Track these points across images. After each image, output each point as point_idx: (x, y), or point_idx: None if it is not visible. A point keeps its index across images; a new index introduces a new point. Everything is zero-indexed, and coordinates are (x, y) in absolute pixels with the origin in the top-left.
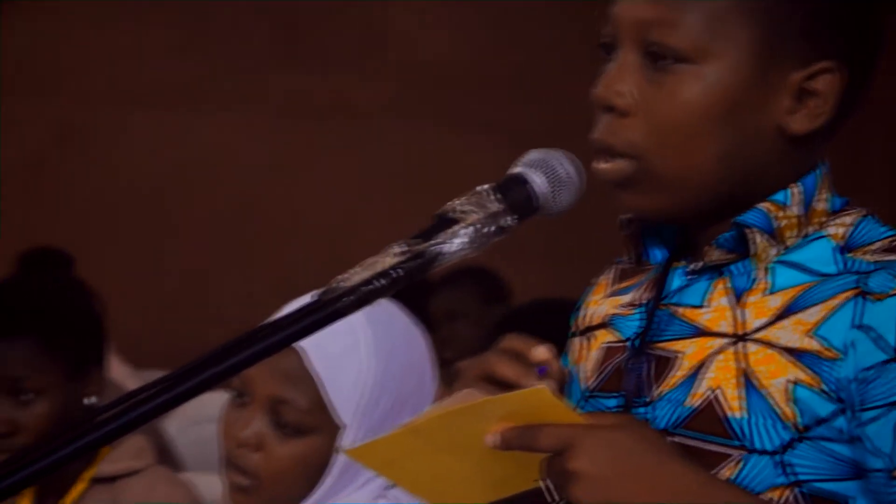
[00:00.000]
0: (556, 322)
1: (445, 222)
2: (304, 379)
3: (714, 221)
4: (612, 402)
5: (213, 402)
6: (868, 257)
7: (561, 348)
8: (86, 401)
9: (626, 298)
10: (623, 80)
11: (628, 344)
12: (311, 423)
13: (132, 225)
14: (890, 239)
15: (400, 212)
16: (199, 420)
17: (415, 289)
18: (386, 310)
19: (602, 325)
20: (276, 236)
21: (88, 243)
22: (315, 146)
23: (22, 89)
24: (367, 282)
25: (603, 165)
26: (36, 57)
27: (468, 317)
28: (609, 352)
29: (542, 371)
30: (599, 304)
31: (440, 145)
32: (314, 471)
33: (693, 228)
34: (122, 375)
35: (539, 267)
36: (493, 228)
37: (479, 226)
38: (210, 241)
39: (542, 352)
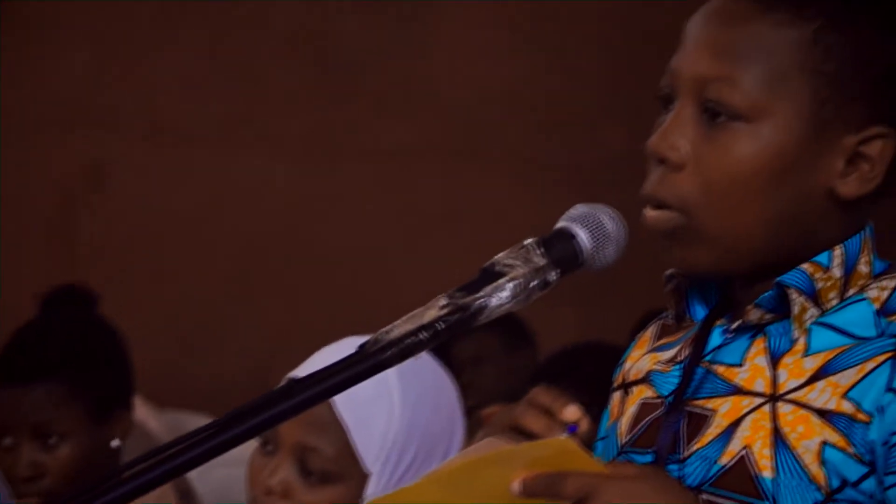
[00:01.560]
0: (596, 367)
1: (490, 276)
2: (332, 427)
3: (758, 280)
4: (645, 458)
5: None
6: None
7: (599, 393)
8: (112, 443)
9: (667, 355)
10: (678, 134)
11: (665, 401)
12: (338, 471)
13: (156, 262)
14: None
15: (426, 253)
16: (220, 464)
17: None
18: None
19: (641, 381)
20: (303, 276)
21: (112, 281)
22: (341, 185)
23: (51, 125)
24: (411, 334)
25: (652, 213)
26: (66, 93)
27: (492, 363)
28: (645, 408)
29: (572, 430)
30: (640, 359)
31: (466, 185)
32: None
33: (735, 286)
34: (145, 416)
35: (563, 312)
36: (538, 283)
37: (524, 280)
38: (233, 280)
39: (572, 411)
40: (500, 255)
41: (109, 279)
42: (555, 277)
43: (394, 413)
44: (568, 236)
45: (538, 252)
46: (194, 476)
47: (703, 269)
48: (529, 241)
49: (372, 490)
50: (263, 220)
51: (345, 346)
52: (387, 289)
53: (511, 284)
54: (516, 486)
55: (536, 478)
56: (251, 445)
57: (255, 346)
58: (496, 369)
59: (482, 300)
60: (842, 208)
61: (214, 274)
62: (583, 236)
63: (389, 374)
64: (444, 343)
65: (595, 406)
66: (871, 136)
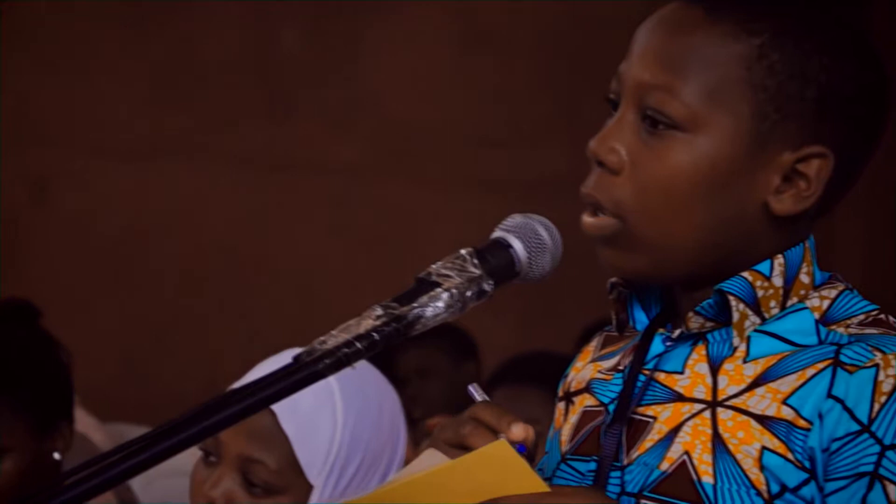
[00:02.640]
0: (553, 370)
1: (425, 285)
2: (275, 439)
3: (698, 287)
4: (587, 466)
5: (181, 456)
6: (847, 330)
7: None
8: (55, 456)
9: (608, 364)
10: (617, 139)
11: (607, 408)
12: (281, 483)
13: (101, 278)
14: (869, 314)
15: (374, 267)
16: (163, 474)
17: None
18: (357, 369)
19: (583, 390)
20: (246, 291)
21: (57, 296)
22: (290, 201)
23: None
24: (346, 344)
25: (589, 220)
26: (8, 109)
27: (438, 375)
28: (586, 416)
29: (521, 450)
30: (582, 370)
31: (407, 201)
32: None
33: (677, 293)
34: (88, 427)
35: (504, 324)
36: (473, 293)
37: (459, 290)
38: (177, 295)
39: (520, 430)
40: (436, 264)
41: (54, 295)
42: (490, 287)
43: (337, 425)
44: (503, 246)
45: (473, 262)
46: (138, 487)
47: (642, 275)
48: (465, 250)
49: (315, 501)
50: (207, 236)
51: (283, 358)
52: (331, 303)
53: (446, 294)
54: None
55: None
56: (194, 456)
57: (199, 360)
58: (442, 381)
59: (417, 310)
60: (777, 224)
61: (158, 289)
62: (518, 246)
63: (332, 386)
64: (390, 355)
65: (547, 419)
66: (809, 155)
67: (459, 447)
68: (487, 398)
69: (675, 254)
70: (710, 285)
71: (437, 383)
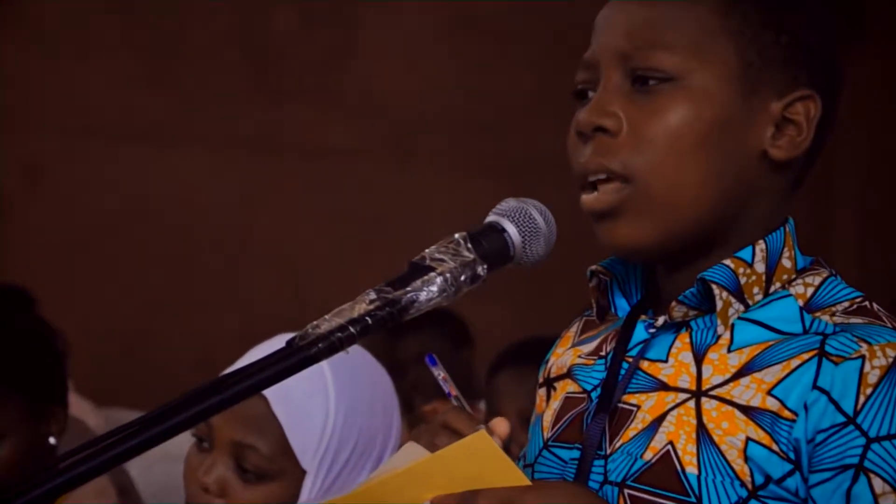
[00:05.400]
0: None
1: (419, 270)
2: (268, 425)
3: (682, 269)
4: (570, 454)
5: (178, 442)
6: (832, 318)
7: None
8: (50, 440)
9: (588, 348)
10: (610, 103)
11: (590, 395)
12: (274, 469)
13: (93, 261)
14: (854, 301)
15: (366, 250)
16: (161, 459)
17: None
18: (350, 354)
19: (564, 376)
20: (239, 274)
21: (49, 280)
22: (282, 183)
23: None
24: (340, 329)
25: (590, 196)
26: (3, 94)
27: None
28: (569, 402)
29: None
30: (563, 355)
31: (400, 184)
32: None
33: (660, 278)
34: (83, 412)
35: (498, 311)
36: (467, 277)
37: (453, 274)
38: (171, 278)
39: (502, 426)
40: (430, 249)
41: (46, 278)
42: (484, 271)
43: (329, 411)
44: (497, 230)
45: (467, 246)
46: (137, 472)
47: (645, 247)
48: (459, 235)
49: (308, 487)
50: (199, 219)
51: (277, 343)
52: (324, 287)
53: (440, 279)
54: None
55: (447, 498)
56: (192, 441)
57: (192, 344)
58: (443, 367)
59: (411, 294)
60: (777, 174)
61: (152, 272)
62: (512, 230)
63: (325, 372)
64: (390, 342)
65: None
66: (795, 99)
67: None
68: (444, 372)
69: (684, 212)
70: (694, 268)
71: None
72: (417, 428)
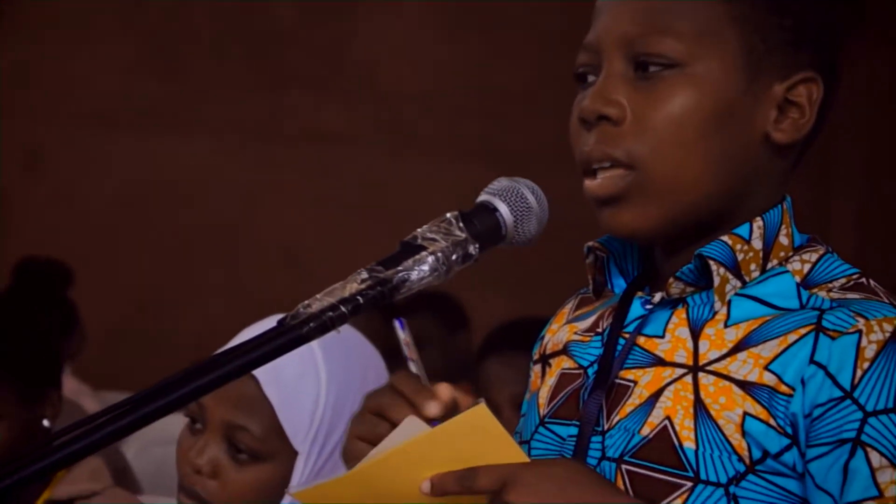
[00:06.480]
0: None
1: (411, 249)
2: (260, 406)
3: (680, 250)
4: (567, 430)
5: (172, 424)
6: (829, 294)
7: None
8: (45, 423)
9: (584, 325)
10: (611, 91)
11: (586, 371)
12: (267, 449)
13: (93, 246)
14: (850, 277)
15: (365, 236)
16: (157, 442)
17: (378, 315)
18: (342, 334)
19: (560, 352)
20: (236, 259)
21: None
22: (282, 169)
23: None
24: (331, 308)
25: (593, 182)
26: (4, 80)
27: (434, 344)
28: (565, 378)
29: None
30: (558, 332)
31: (398, 169)
32: (270, 497)
33: (658, 257)
34: (79, 394)
35: (494, 293)
36: (458, 256)
37: (444, 253)
38: (170, 262)
39: (432, 408)
40: (421, 228)
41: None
42: (476, 251)
43: (321, 391)
44: (489, 209)
45: (459, 225)
46: (133, 454)
47: (650, 232)
48: (450, 214)
49: (300, 468)
50: (197, 205)
51: (269, 324)
52: (320, 271)
53: (431, 258)
54: (426, 486)
55: (446, 476)
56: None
57: (189, 328)
58: (438, 350)
59: (402, 273)
60: (779, 157)
61: (149, 257)
62: (504, 209)
63: (316, 352)
64: (385, 325)
65: None
66: (798, 82)
67: (380, 417)
68: (410, 338)
69: (687, 198)
70: (692, 246)
71: (434, 352)
72: (360, 412)
